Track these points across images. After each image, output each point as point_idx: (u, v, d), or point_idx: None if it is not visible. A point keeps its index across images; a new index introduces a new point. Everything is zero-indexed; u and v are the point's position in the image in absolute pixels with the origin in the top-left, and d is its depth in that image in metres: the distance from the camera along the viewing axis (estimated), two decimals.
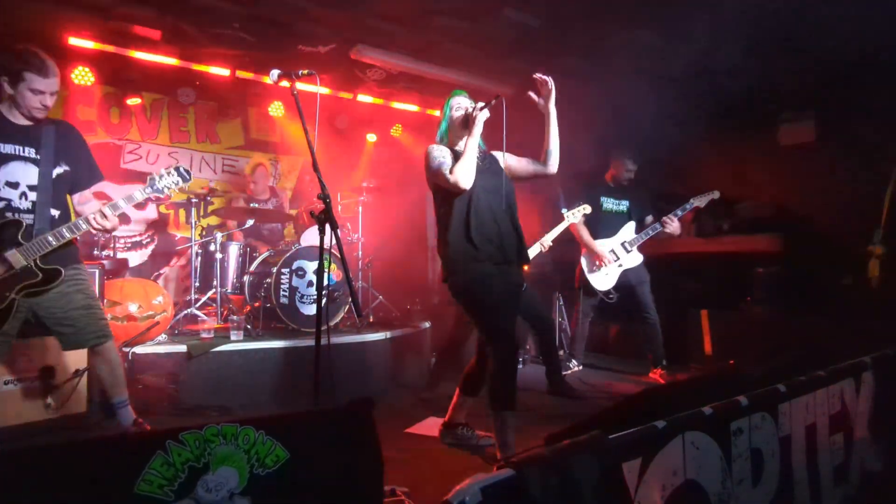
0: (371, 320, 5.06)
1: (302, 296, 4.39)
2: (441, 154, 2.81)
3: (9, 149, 2.55)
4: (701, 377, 3.75)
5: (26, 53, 2.52)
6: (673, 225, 4.39)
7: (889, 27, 4.04)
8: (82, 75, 5.15)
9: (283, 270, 4.35)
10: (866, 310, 3.78)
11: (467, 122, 2.80)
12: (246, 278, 4.68)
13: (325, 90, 6.09)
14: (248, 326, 4.22)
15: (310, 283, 4.40)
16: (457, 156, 2.79)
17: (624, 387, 4.38)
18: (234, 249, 4.89)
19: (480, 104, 2.78)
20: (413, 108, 6.83)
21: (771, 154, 5.17)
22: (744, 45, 4.68)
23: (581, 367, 4.98)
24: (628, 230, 4.66)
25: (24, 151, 2.58)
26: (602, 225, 4.61)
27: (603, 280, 4.60)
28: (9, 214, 2.53)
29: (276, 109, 6.30)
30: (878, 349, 2.53)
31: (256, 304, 4.47)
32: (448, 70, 5.72)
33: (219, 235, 4.64)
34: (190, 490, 1.11)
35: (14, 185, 2.56)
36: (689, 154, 5.81)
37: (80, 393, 3.29)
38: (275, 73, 2.30)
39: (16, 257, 2.46)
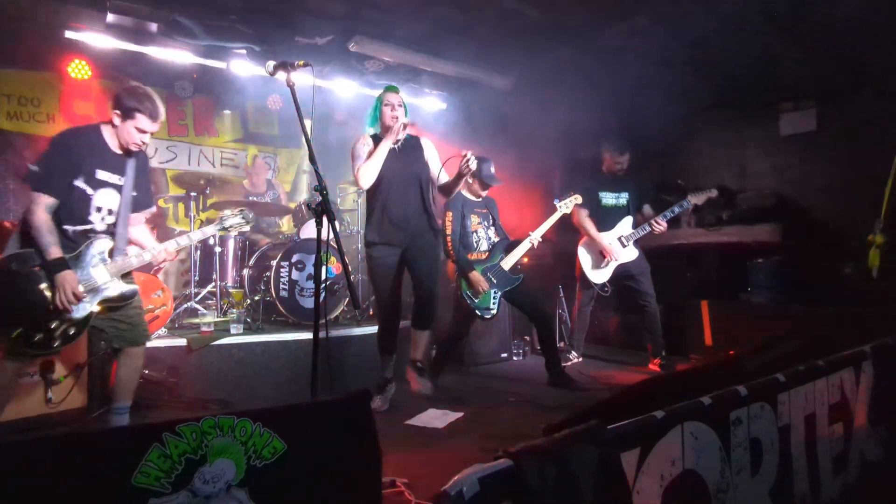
0: (371, 313, 5.06)
1: (301, 289, 4.39)
2: (362, 150, 3.33)
3: (104, 175, 2.69)
4: (700, 367, 3.75)
5: (143, 95, 2.67)
6: (661, 227, 4.42)
7: (891, 16, 4.01)
8: (79, 69, 5.12)
9: (282, 264, 4.35)
10: (866, 299, 3.78)
11: (389, 129, 3.28)
12: (245, 272, 4.68)
13: (323, 82, 6.07)
14: (248, 320, 4.22)
15: (309, 276, 4.40)
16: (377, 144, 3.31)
17: (624, 377, 4.39)
18: (232, 243, 4.88)
19: (398, 124, 3.33)
20: (412, 99, 6.79)
21: (771, 143, 5.16)
22: (744, 34, 4.66)
23: (581, 359, 4.98)
24: (625, 224, 4.65)
25: (114, 178, 2.73)
26: (600, 219, 4.60)
27: (599, 273, 4.60)
28: (91, 236, 2.69)
29: (274, 102, 6.28)
30: (878, 338, 2.53)
31: (256, 298, 4.47)
32: (447, 61, 5.69)
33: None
34: (187, 482, 1.11)
35: (100, 210, 2.71)
36: (689, 144, 5.81)
37: (81, 387, 3.30)
38: (270, 64, 2.28)
39: (101, 273, 2.64)
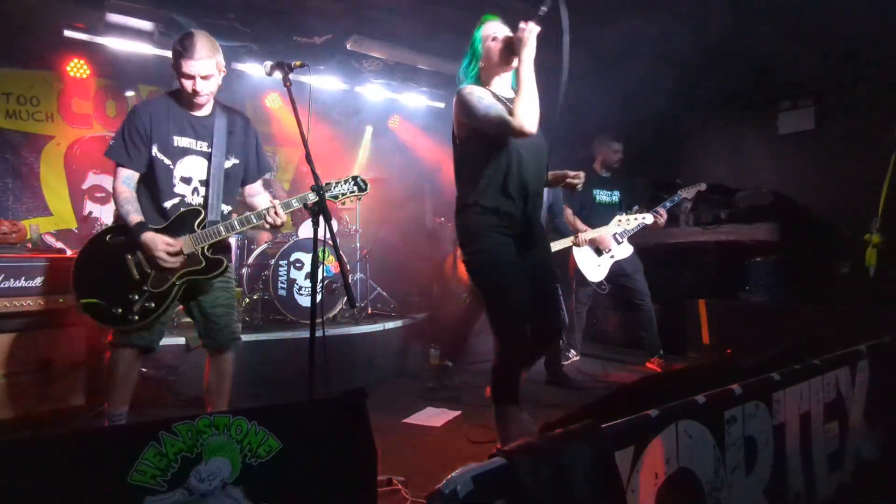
0: (369, 311, 5.07)
1: (300, 287, 4.40)
2: (485, 95, 2.37)
3: (184, 142, 2.49)
4: (696, 366, 3.77)
5: (181, 37, 2.39)
6: (662, 217, 4.40)
7: (889, 14, 4.02)
8: (78, 68, 5.12)
9: (280, 262, 4.36)
10: (863, 299, 3.79)
11: (512, 47, 2.36)
12: (244, 270, 4.69)
13: (321, 81, 6.07)
14: (246, 318, 4.22)
15: (308, 275, 4.41)
16: (499, 98, 2.41)
17: (621, 376, 4.39)
18: (231, 242, 4.88)
19: (524, 23, 2.31)
20: (411, 98, 6.80)
21: (770, 142, 5.16)
22: (743, 33, 4.67)
23: (579, 357, 4.99)
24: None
25: (197, 145, 2.51)
26: (594, 216, 4.60)
27: (595, 271, 4.61)
28: (182, 209, 2.49)
29: (272, 101, 6.28)
30: (874, 337, 2.54)
31: (254, 296, 4.47)
32: (444, 59, 5.69)
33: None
34: (183, 480, 1.12)
35: (188, 181, 2.51)
36: (687, 142, 5.82)
37: (79, 386, 3.30)
38: (267, 64, 2.29)
39: (186, 242, 2.44)
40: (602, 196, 4.69)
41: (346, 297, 4.59)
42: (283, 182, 6.61)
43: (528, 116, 2.25)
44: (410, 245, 6.54)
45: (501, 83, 2.53)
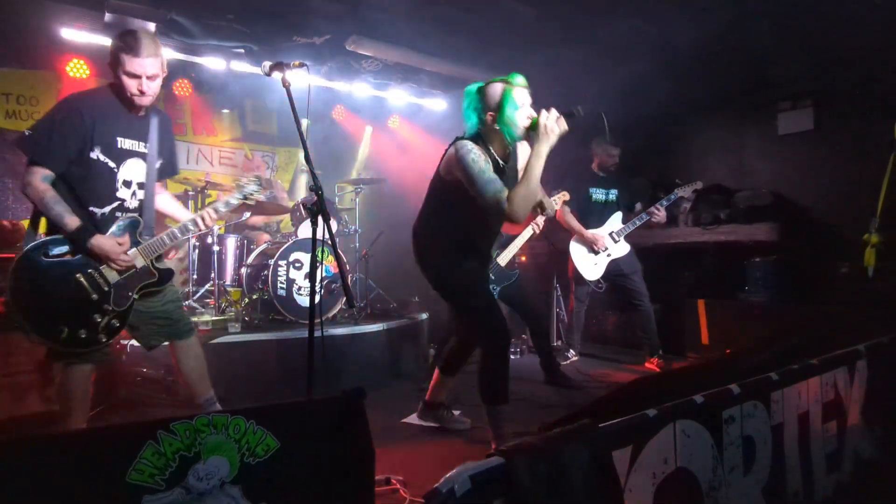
0: (369, 311, 5.07)
1: (299, 287, 4.40)
2: (481, 158, 2.32)
3: (128, 144, 2.39)
4: (694, 366, 3.77)
5: (122, 34, 2.30)
6: (660, 214, 4.40)
7: (888, 15, 4.02)
8: (77, 68, 5.12)
9: (280, 262, 4.36)
10: (862, 299, 3.79)
11: (535, 131, 2.29)
12: (243, 270, 4.69)
13: (321, 81, 6.08)
14: (246, 318, 4.23)
15: (307, 275, 4.41)
16: (495, 165, 2.39)
17: (621, 376, 4.39)
18: (231, 242, 4.90)
19: (555, 113, 2.27)
20: (410, 99, 6.80)
21: (769, 142, 5.17)
22: (742, 33, 4.67)
23: (579, 357, 5.00)
24: (616, 220, 4.67)
25: (137, 146, 2.43)
26: (591, 215, 4.61)
27: (592, 270, 4.62)
28: (118, 215, 2.41)
29: (272, 101, 6.29)
30: (873, 338, 2.54)
31: (254, 296, 4.48)
32: (444, 60, 5.70)
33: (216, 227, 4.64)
34: (181, 479, 1.12)
35: (128, 185, 2.42)
36: (686, 142, 5.82)
37: None
38: (266, 65, 2.29)
39: (136, 256, 2.38)
40: (598, 195, 4.70)
41: (345, 298, 4.61)
42: (283, 182, 6.61)
43: (523, 208, 2.25)
44: (410, 245, 6.54)
45: (501, 143, 2.50)
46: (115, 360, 2.62)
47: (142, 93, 2.31)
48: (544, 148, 2.25)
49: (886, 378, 2.48)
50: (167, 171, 2.67)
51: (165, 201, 2.72)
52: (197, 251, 4.76)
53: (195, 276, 4.72)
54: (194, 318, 4.30)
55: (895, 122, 3.81)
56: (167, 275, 2.51)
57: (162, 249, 2.47)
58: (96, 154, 2.29)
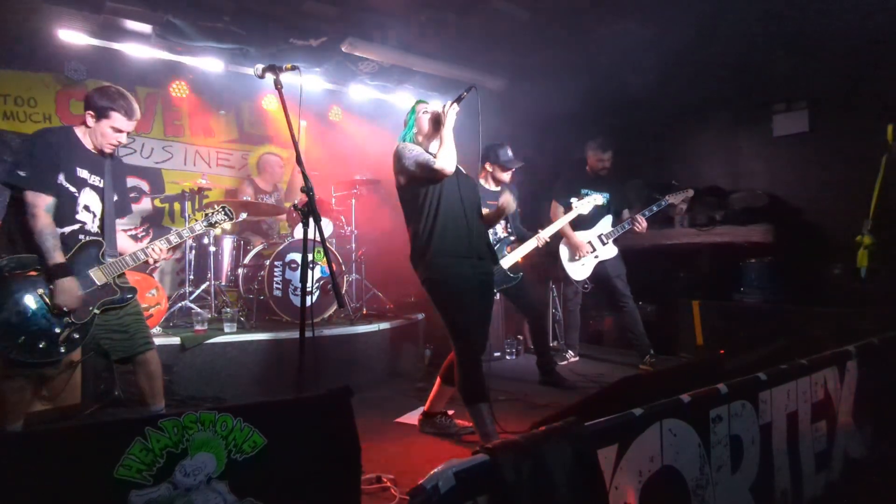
0: (364, 312, 5.08)
1: (295, 288, 4.41)
2: (416, 148, 2.88)
3: (84, 174, 2.62)
4: (683, 366, 3.78)
5: (116, 94, 2.61)
6: (641, 225, 4.45)
7: (883, 17, 4.04)
8: (74, 70, 5.12)
9: (275, 263, 4.37)
10: (855, 300, 3.81)
11: (438, 121, 2.87)
12: (240, 271, 4.70)
13: (316, 83, 6.08)
14: (242, 319, 4.24)
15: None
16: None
17: (617, 376, 4.40)
18: (227, 243, 4.90)
19: (448, 102, 2.85)
20: (406, 100, 6.81)
21: (764, 144, 5.18)
22: (737, 35, 4.69)
23: (577, 358, 5.01)
24: (605, 223, 4.70)
25: (91, 178, 2.65)
26: (582, 217, 4.62)
27: (579, 270, 4.65)
28: (81, 237, 2.61)
29: (269, 103, 6.30)
30: (864, 338, 2.56)
31: (250, 297, 4.49)
32: (439, 62, 5.71)
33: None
34: (168, 475, 1.13)
35: (88, 209, 2.65)
36: (682, 144, 5.83)
37: (74, 385, 3.31)
38: (259, 67, 2.31)
39: (98, 274, 2.58)
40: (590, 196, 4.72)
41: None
42: (282, 185, 6.61)
43: (448, 160, 2.73)
44: (406, 246, 6.55)
45: (434, 148, 2.90)
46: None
47: (119, 145, 2.68)
48: (448, 121, 2.80)
49: (876, 378, 2.49)
50: (122, 209, 2.87)
51: (121, 239, 2.89)
52: (194, 252, 4.76)
53: (192, 277, 4.72)
54: (190, 319, 4.32)
55: (889, 124, 3.84)
56: (129, 292, 2.71)
57: (124, 269, 2.68)
58: (61, 180, 2.52)
